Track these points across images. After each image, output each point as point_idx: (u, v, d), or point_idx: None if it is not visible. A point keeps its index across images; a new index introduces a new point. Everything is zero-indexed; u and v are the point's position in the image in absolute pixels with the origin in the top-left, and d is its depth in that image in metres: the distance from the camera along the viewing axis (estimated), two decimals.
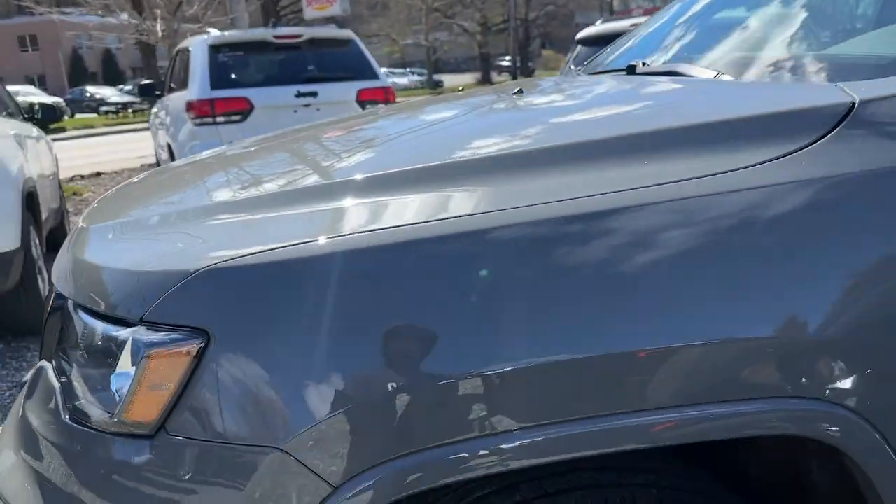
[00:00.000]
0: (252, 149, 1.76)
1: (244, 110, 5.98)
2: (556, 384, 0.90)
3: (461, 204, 1.01)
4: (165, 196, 1.44)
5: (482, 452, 0.90)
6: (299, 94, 6.10)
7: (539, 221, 0.93)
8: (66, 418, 1.01)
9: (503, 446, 0.90)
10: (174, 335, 0.89)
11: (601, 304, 0.91)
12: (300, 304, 0.88)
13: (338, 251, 0.91)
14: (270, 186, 1.25)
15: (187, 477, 0.89)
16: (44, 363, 1.18)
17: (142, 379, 0.90)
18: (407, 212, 0.99)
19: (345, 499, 0.86)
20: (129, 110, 30.88)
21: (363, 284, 0.89)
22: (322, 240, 0.93)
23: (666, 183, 0.97)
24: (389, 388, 0.86)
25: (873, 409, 0.95)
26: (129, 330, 0.93)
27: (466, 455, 0.89)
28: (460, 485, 1.03)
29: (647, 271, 0.92)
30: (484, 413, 0.89)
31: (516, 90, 1.66)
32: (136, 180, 1.73)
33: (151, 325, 0.91)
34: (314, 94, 6.12)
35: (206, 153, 1.90)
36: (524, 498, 0.99)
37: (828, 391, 0.94)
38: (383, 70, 7.22)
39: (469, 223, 0.94)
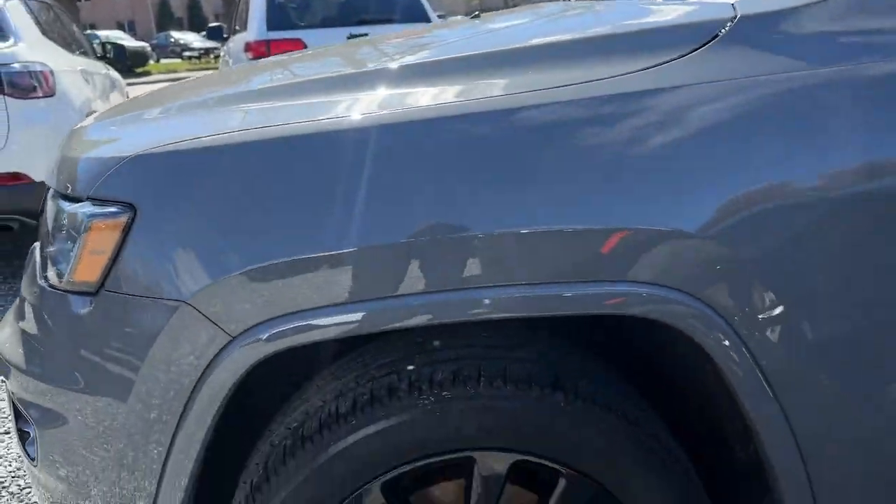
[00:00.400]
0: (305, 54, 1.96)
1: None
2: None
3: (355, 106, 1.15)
4: (181, 95, 1.58)
5: (385, 309, 1.04)
6: (351, 37, 6.24)
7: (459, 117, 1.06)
8: (41, 282, 1.22)
9: (402, 306, 1.04)
10: (110, 209, 1.08)
11: (511, 187, 1.03)
12: (210, 184, 1.05)
13: (233, 143, 1.07)
14: (271, 82, 1.42)
15: (120, 325, 1.08)
16: (36, 244, 1.40)
17: (85, 245, 1.09)
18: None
19: (239, 347, 1.03)
20: (211, 55, 31.76)
21: (257, 168, 1.05)
22: (235, 132, 1.09)
23: (570, 85, 1.08)
24: (281, 255, 1.02)
25: (733, 310, 1.04)
26: (79, 205, 1.12)
27: (366, 312, 1.04)
28: (369, 353, 1.19)
29: (551, 160, 1.04)
30: (383, 276, 1.03)
31: (474, 14, 1.78)
32: (170, 85, 1.93)
33: (95, 201, 1.10)
34: (366, 36, 6.25)
35: (265, 59, 2.12)
36: (417, 366, 1.14)
37: (688, 283, 1.04)
38: (458, 18, 7.26)
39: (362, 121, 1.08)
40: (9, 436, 2.58)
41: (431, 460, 1.11)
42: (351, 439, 1.08)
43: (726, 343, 1.06)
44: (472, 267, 1.03)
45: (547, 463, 1.11)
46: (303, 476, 1.09)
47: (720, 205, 1.03)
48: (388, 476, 1.10)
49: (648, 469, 1.10)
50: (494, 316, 1.06)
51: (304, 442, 1.10)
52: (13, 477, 2.35)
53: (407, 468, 1.10)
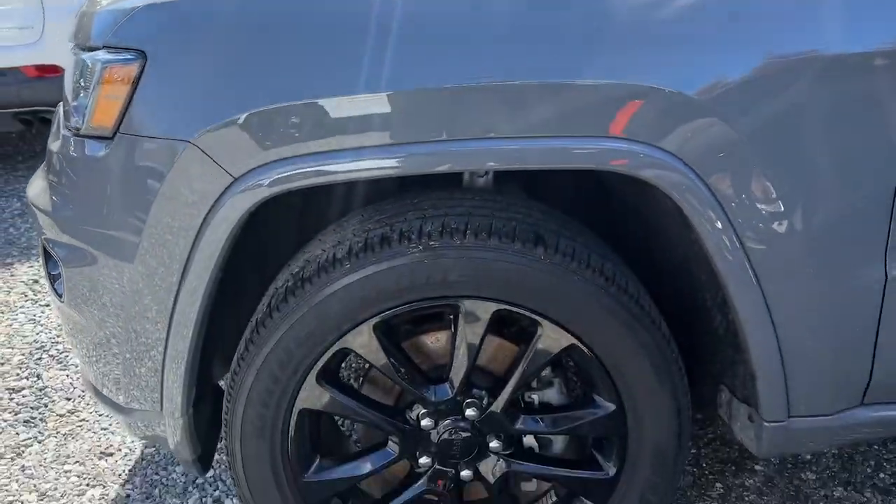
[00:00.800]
0: None
1: None
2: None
3: None
4: None
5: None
6: None
7: None
8: (64, 131, 1.30)
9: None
10: (124, 55, 1.14)
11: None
12: (216, 31, 1.11)
13: None
14: None
15: (133, 166, 1.16)
16: (60, 103, 1.48)
17: (101, 91, 1.16)
18: None
19: (241, 189, 1.11)
20: None
21: (262, 17, 1.10)
22: None
23: None
24: (282, 100, 1.07)
25: (731, 196, 1.09)
26: (95, 53, 1.18)
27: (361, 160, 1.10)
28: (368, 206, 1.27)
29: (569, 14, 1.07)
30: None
31: None
32: None
33: (110, 49, 1.16)
34: None
35: None
36: (409, 219, 1.21)
37: (697, 162, 1.08)
38: None
39: None
40: (49, 308, 2.76)
41: (419, 305, 1.19)
42: (345, 281, 1.16)
43: (718, 226, 1.11)
44: (490, 118, 1.07)
45: (526, 313, 1.19)
46: (301, 313, 1.18)
47: (732, 79, 1.05)
48: (379, 318, 1.19)
49: (620, 321, 1.17)
50: (509, 167, 1.12)
51: (304, 283, 1.18)
52: (53, 342, 2.53)
53: (396, 311, 1.19)
